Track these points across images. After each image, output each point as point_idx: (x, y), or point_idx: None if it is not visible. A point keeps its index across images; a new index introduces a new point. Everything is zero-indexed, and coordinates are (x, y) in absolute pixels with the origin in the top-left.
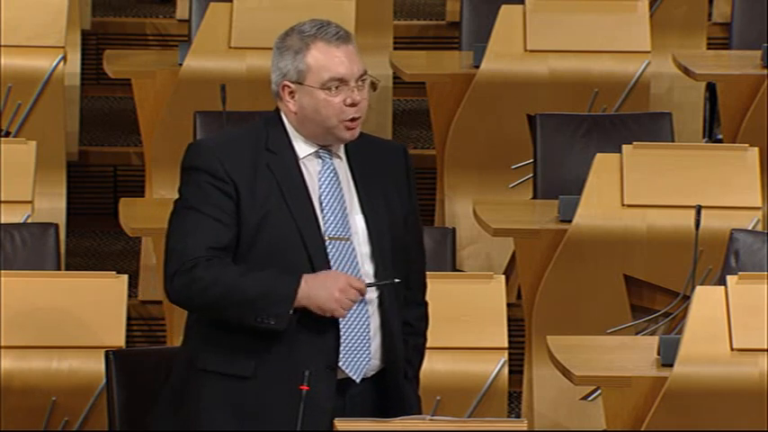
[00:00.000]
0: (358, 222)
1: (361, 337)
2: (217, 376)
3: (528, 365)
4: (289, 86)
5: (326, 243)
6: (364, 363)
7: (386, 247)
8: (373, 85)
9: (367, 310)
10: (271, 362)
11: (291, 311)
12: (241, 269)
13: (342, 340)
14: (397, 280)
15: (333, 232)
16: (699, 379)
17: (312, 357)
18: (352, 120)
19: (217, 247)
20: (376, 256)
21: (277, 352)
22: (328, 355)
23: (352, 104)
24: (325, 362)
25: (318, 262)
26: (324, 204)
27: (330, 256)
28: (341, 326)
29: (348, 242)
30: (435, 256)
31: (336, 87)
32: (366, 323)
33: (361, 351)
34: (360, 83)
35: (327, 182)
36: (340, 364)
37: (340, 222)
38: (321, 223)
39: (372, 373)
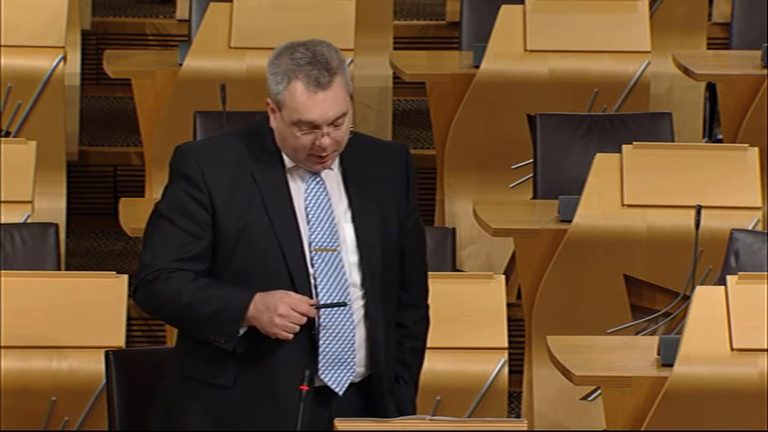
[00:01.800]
0: (347, 231)
1: (346, 350)
2: (202, 385)
3: (528, 365)
4: (270, 104)
5: (312, 254)
6: (347, 375)
7: (375, 255)
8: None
9: (352, 322)
10: (250, 374)
11: (241, 332)
12: (199, 285)
13: (323, 353)
14: (345, 305)
15: (319, 243)
16: (699, 379)
17: (291, 370)
18: (321, 156)
19: (183, 258)
20: (364, 264)
21: (256, 364)
22: (307, 368)
23: (320, 147)
24: (303, 375)
25: (297, 273)
26: (310, 215)
27: (316, 267)
28: (322, 338)
29: (336, 252)
30: (435, 256)
31: (305, 131)
32: (351, 335)
33: (344, 364)
34: (333, 127)
35: (314, 192)
36: (322, 376)
37: (327, 233)
38: (306, 234)
39: (359, 379)
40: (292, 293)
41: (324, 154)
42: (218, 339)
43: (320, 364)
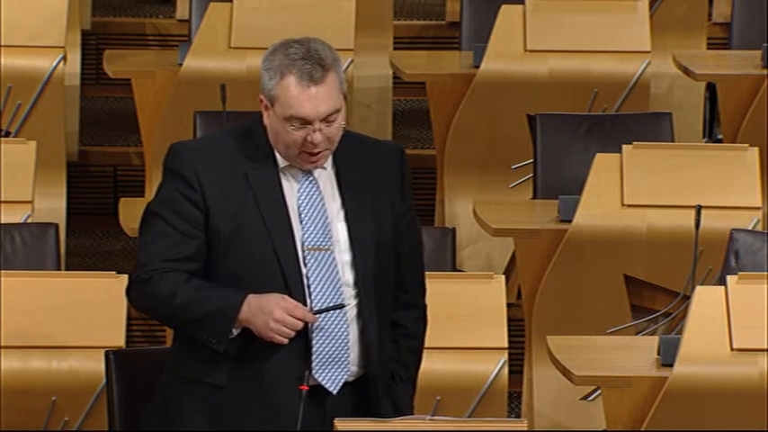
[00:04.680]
0: (340, 231)
1: (340, 349)
2: (196, 384)
3: (528, 365)
4: (263, 101)
5: (305, 254)
6: (342, 374)
7: (369, 253)
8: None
9: (346, 321)
10: (243, 373)
11: (235, 333)
12: (192, 286)
13: (316, 351)
14: (346, 305)
15: (312, 243)
16: (699, 379)
17: (283, 369)
18: (313, 153)
19: (177, 258)
20: (357, 263)
21: (249, 364)
22: (299, 367)
23: (312, 143)
24: (297, 373)
25: (291, 273)
26: (303, 215)
27: (309, 267)
28: (314, 337)
29: (329, 252)
30: (435, 256)
31: (297, 126)
32: (344, 333)
33: (338, 362)
34: (325, 123)
35: (307, 192)
36: (315, 375)
37: (320, 232)
38: (300, 234)
39: (353, 378)
40: (288, 298)
41: (315, 151)
42: (211, 340)
43: (314, 364)
